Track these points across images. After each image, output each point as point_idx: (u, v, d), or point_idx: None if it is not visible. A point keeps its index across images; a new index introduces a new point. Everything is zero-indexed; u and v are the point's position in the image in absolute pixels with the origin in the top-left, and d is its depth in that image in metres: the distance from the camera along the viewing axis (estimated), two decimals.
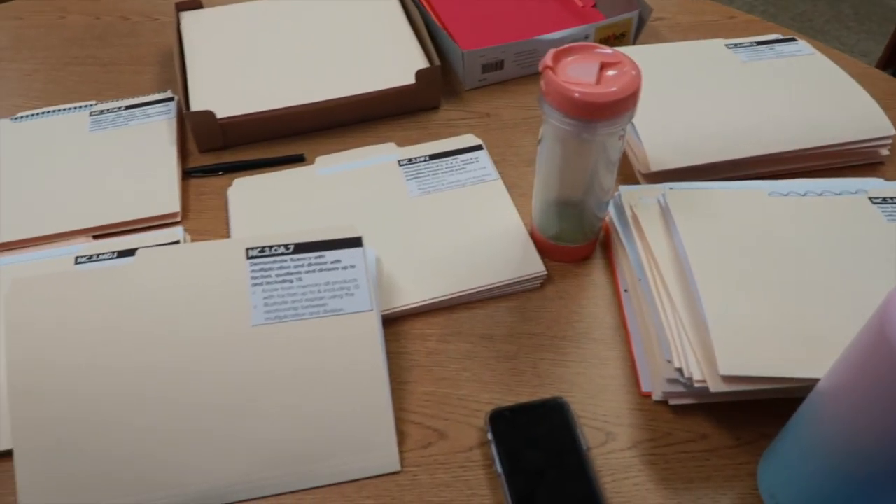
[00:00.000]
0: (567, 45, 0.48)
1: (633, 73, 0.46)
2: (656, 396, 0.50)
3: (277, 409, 0.47)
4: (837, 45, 1.97)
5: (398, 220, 0.60)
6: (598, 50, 0.48)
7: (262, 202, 0.62)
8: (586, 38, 0.74)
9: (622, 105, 0.46)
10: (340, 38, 0.75)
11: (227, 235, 0.61)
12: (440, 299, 0.55)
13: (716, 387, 0.44)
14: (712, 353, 0.44)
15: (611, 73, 0.47)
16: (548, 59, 0.47)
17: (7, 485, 0.46)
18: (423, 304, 0.55)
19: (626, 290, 0.56)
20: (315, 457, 0.46)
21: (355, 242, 0.51)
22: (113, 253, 0.58)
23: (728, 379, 0.44)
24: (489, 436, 0.47)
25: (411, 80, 0.69)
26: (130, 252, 0.57)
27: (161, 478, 0.45)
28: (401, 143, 0.68)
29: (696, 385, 0.45)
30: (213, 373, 0.47)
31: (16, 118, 0.70)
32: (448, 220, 0.60)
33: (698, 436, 0.48)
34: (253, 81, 0.70)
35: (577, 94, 0.45)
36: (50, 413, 0.45)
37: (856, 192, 0.54)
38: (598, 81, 0.46)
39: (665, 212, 0.54)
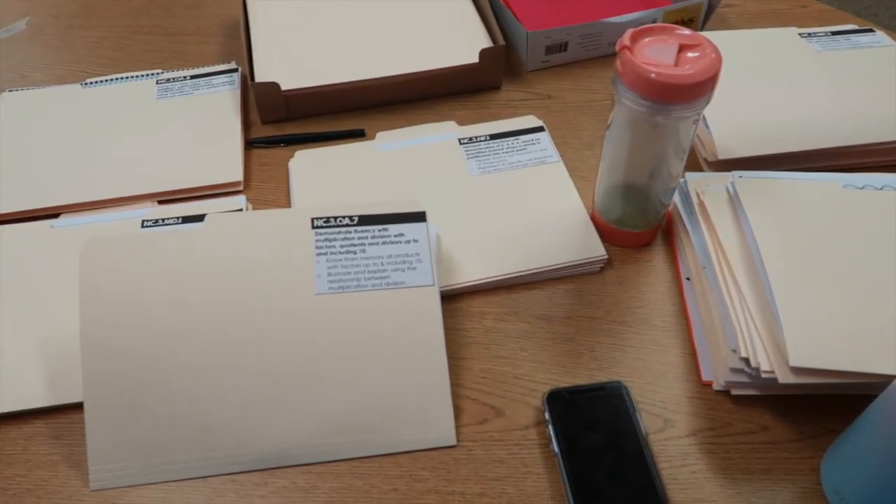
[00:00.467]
0: (645, 26, 0.47)
1: (713, 56, 0.45)
2: (717, 386, 0.49)
3: (337, 377, 0.47)
4: None
5: (458, 198, 0.60)
6: (678, 31, 0.47)
7: (323, 175, 0.63)
8: (653, 21, 0.73)
9: (700, 88, 0.45)
10: (404, 14, 0.75)
11: (288, 206, 0.62)
12: (499, 278, 0.55)
13: (785, 378, 0.43)
14: (782, 344, 0.43)
15: (690, 55, 0.46)
16: (625, 39, 0.46)
17: (78, 435, 0.48)
18: (482, 282, 0.55)
19: (687, 279, 0.55)
20: (373, 426, 0.47)
21: (419, 217, 0.51)
22: (178, 218, 0.59)
23: (798, 371, 0.43)
24: (546, 415, 0.47)
25: (474, 58, 0.69)
26: (195, 218, 0.59)
27: (223, 439, 0.46)
28: (461, 122, 0.68)
29: (764, 376, 0.44)
30: (276, 339, 0.48)
31: (85, 84, 0.72)
32: (508, 200, 0.60)
33: (759, 427, 0.48)
34: (316, 55, 0.71)
35: (653, 75, 0.44)
36: (119, 369, 0.46)
37: None
38: (677, 63, 0.45)
39: (734, 200, 0.53)
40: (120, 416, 0.46)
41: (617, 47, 0.46)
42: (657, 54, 0.46)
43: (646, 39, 0.47)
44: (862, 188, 0.53)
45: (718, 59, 0.45)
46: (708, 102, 0.47)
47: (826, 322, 0.44)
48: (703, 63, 0.45)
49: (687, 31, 0.47)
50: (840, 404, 0.47)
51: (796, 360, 0.42)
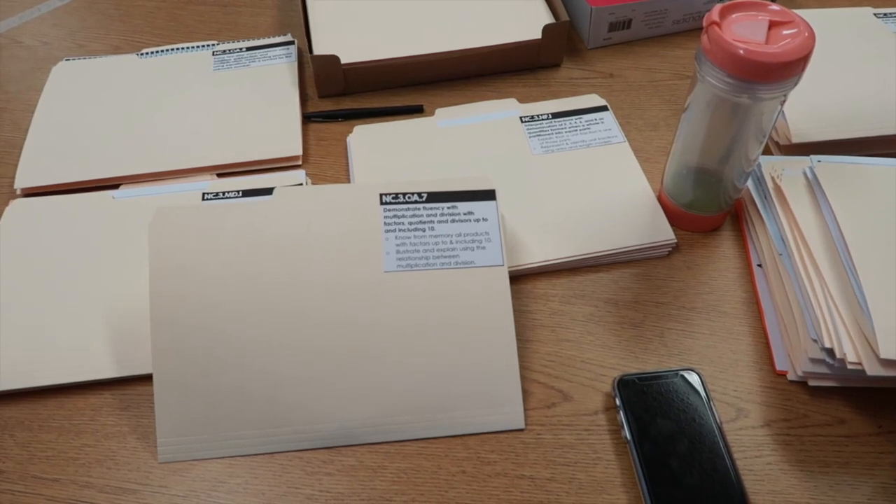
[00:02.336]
0: (734, 1, 0.45)
1: (807, 34, 0.43)
2: (793, 376, 0.48)
3: (405, 356, 0.47)
4: None
5: (521, 178, 0.59)
6: (770, 7, 0.45)
7: (383, 151, 0.62)
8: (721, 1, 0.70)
9: (790, 68, 0.43)
10: None
11: (347, 181, 0.61)
12: (564, 260, 0.54)
13: (873, 370, 0.42)
14: (871, 335, 0.42)
15: (784, 31, 0.44)
16: (714, 14, 0.44)
17: (146, 406, 0.48)
18: (547, 263, 0.54)
19: (759, 265, 0.54)
20: (441, 407, 0.46)
21: (489, 195, 0.50)
22: (238, 192, 0.58)
23: (888, 363, 0.41)
24: (617, 401, 0.46)
25: (534, 34, 0.67)
26: (256, 192, 0.58)
27: (290, 414, 0.46)
28: (521, 100, 0.66)
29: (850, 367, 0.42)
30: (344, 316, 0.47)
31: (142, 54, 0.71)
32: (573, 180, 0.59)
33: (836, 420, 0.46)
34: (374, 29, 0.69)
35: (742, 52, 0.43)
36: (187, 342, 0.46)
37: None
38: (768, 40, 0.44)
39: (813, 185, 0.51)
40: (188, 390, 0.46)
41: (705, 23, 0.45)
42: (746, 31, 0.44)
43: (734, 15, 0.45)
44: None
45: (812, 38, 0.43)
46: (797, 83, 0.45)
47: None
48: (796, 41, 0.43)
49: (777, 7, 0.45)
50: None
51: (887, 352, 0.41)
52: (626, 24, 0.70)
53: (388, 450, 0.46)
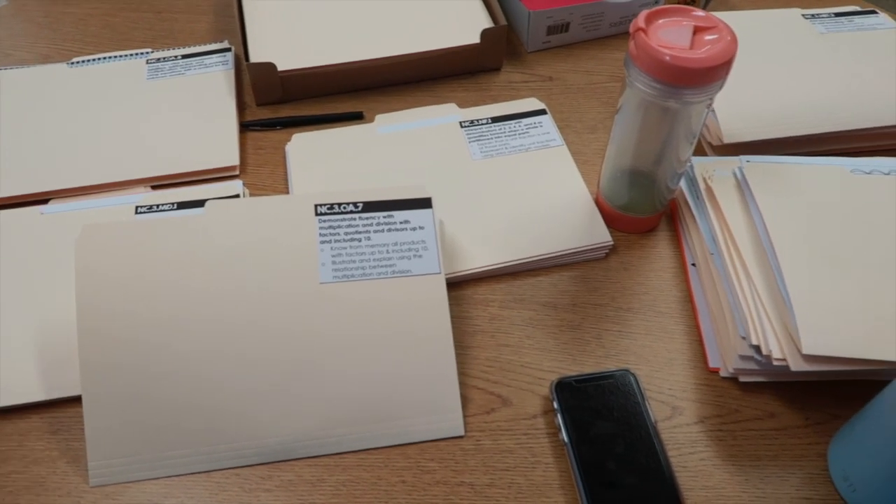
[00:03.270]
0: (659, 7, 0.46)
1: (729, 38, 0.44)
2: (725, 373, 0.49)
3: (343, 367, 0.47)
4: None
5: (460, 183, 0.59)
6: (694, 13, 0.46)
7: (322, 159, 0.61)
8: (656, 2, 0.71)
9: (716, 72, 0.44)
10: None
11: (286, 191, 0.60)
12: (503, 265, 0.54)
13: (797, 366, 0.43)
14: (794, 332, 0.43)
15: (706, 37, 0.45)
16: (640, 21, 0.45)
17: (77, 429, 0.46)
18: (486, 269, 0.54)
19: (693, 264, 0.55)
20: (379, 417, 0.46)
21: (425, 203, 0.50)
22: (173, 204, 0.57)
23: (810, 358, 0.43)
24: (555, 404, 0.47)
25: (474, 39, 0.67)
26: (191, 203, 0.57)
27: (227, 430, 0.45)
28: (461, 105, 0.66)
29: (775, 363, 0.44)
30: (280, 328, 0.47)
31: (72, 63, 0.69)
32: (512, 184, 0.59)
33: (766, 414, 0.48)
34: (312, 35, 0.69)
35: (667, 58, 0.43)
36: (118, 360, 0.45)
37: None
38: (692, 46, 0.44)
39: (742, 185, 0.52)
40: (119, 410, 0.45)
41: (631, 29, 0.45)
42: (672, 36, 0.45)
43: (660, 21, 0.46)
44: (869, 173, 0.52)
45: (734, 42, 0.44)
46: (722, 87, 0.46)
47: (838, 309, 0.44)
48: (719, 46, 0.44)
49: (702, 13, 0.46)
50: (847, 390, 0.47)
51: (809, 348, 0.42)
52: (565, 27, 0.71)
53: (328, 462, 0.46)
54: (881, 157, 0.54)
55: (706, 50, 0.44)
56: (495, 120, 0.64)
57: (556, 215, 0.57)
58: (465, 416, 0.47)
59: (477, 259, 0.54)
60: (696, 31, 0.45)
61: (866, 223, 0.49)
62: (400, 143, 0.63)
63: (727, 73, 0.45)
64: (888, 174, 0.52)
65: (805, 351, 0.42)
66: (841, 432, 0.45)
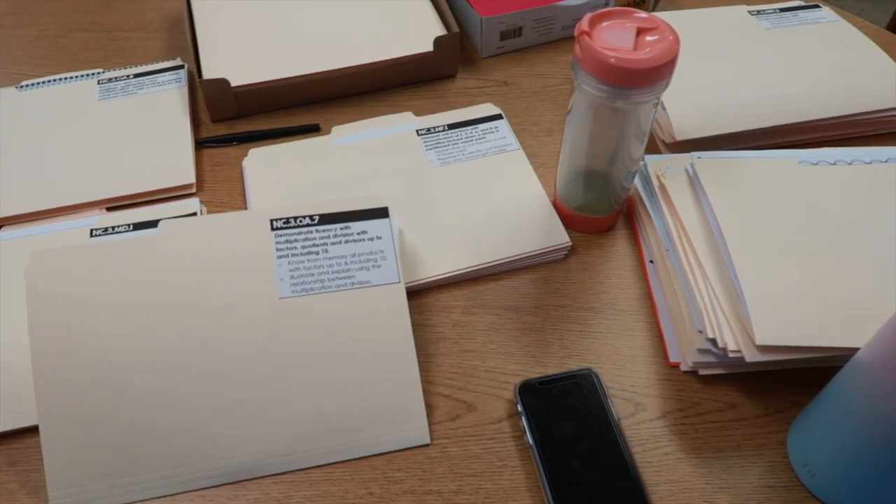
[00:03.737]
0: (603, 10, 0.47)
1: (671, 38, 0.45)
2: (685, 367, 0.50)
3: (307, 382, 0.46)
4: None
5: (419, 191, 0.59)
6: (636, 15, 0.47)
7: (279, 173, 0.61)
8: (606, 4, 0.72)
9: (659, 72, 0.45)
10: (355, 3, 0.73)
11: (244, 207, 0.60)
12: (464, 271, 0.54)
13: (752, 357, 0.44)
14: (748, 323, 0.44)
15: (649, 38, 0.45)
16: (584, 24, 0.45)
17: (36, 459, 0.46)
18: (447, 276, 0.54)
19: (651, 261, 0.56)
20: (345, 430, 0.46)
21: (381, 213, 0.50)
22: (129, 225, 0.57)
23: (764, 349, 0.43)
24: (519, 407, 0.47)
25: (428, 47, 0.67)
26: (146, 224, 0.56)
27: (190, 451, 0.45)
28: (418, 113, 0.67)
29: (731, 355, 0.44)
30: (240, 346, 0.46)
31: (21, 86, 0.68)
32: (470, 190, 0.59)
33: (727, 405, 0.48)
34: (265, 49, 0.69)
35: (612, 60, 0.44)
36: (75, 386, 0.44)
37: (886, 161, 0.54)
38: (636, 47, 0.45)
39: (694, 181, 0.53)
40: (78, 437, 0.44)
41: (575, 32, 0.46)
42: (616, 39, 0.45)
43: (604, 24, 0.46)
44: (816, 164, 0.54)
45: (676, 42, 0.45)
46: (667, 86, 0.47)
47: (790, 298, 0.45)
48: (661, 46, 0.45)
49: (644, 14, 0.47)
50: (803, 377, 0.48)
51: (762, 339, 0.43)
52: (517, 31, 0.72)
53: (294, 479, 0.45)
54: (827, 148, 0.56)
55: (649, 50, 0.44)
56: (452, 127, 0.64)
57: (514, 219, 0.57)
58: (430, 424, 0.48)
59: (438, 266, 0.54)
60: (640, 32, 0.46)
61: (815, 212, 0.50)
62: (357, 153, 0.63)
63: (671, 72, 0.46)
64: (834, 164, 0.54)
65: (758, 342, 0.43)
66: (798, 420, 0.46)
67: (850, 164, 0.54)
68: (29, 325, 0.44)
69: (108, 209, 0.59)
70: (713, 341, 0.46)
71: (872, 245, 0.48)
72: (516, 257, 0.55)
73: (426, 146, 0.63)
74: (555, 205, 0.58)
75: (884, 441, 0.37)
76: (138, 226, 0.56)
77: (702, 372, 0.49)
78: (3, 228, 0.57)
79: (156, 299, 0.46)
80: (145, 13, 0.79)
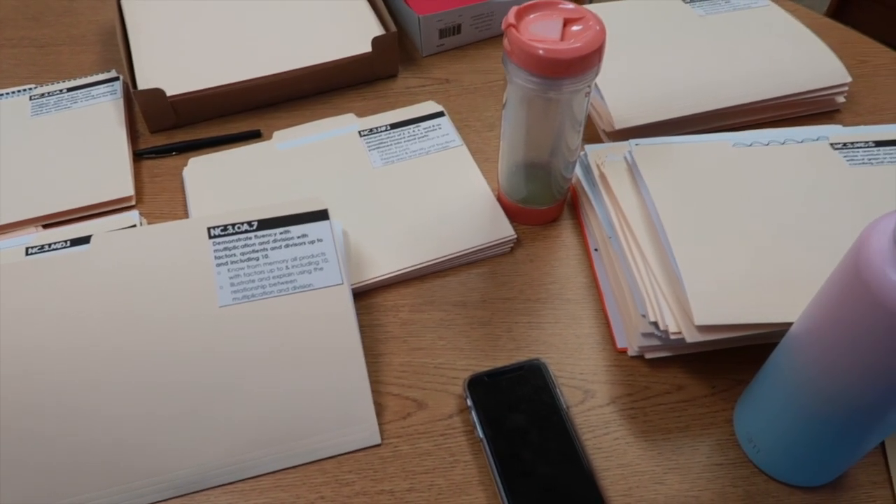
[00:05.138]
0: (529, 3, 0.47)
1: (598, 28, 0.46)
2: (632, 352, 0.50)
3: (253, 389, 0.46)
4: None
5: (363, 192, 0.59)
6: (561, 6, 0.47)
7: (221, 181, 0.60)
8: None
9: (588, 61, 0.45)
10: (291, 6, 0.73)
11: (186, 217, 0.59)
12: (411, 269, 0.54)
13: (692, 337, 0.44)
14: (687, 305, 0.45)
15: (575, 28, 0.46)
16: (510, 17, 0.46)
17: None
18: (394, 274, 0.54)
19: (596, 250, 0.56)
20: (294, 435, 0.46)
21: (321, 215, 0.50)
22: (66, 241, 0.55)
23: (703, 329, 0.44)
24: (468, 402, 0.47)
25: (367, 47, 0.67)
26: (85, 240, 0.55)
27: (137, 465, 0.44)
28: (360, 114, 0.66)
29: (672, 337, 0.45)
30: (183, 356, 0.45)
31: None
32: (414, 189, 0.59)
33: (674, 387, 0.49)
34: (202, 57, 0.68)
35: (541, 52, 0.44)
36: (12, 405, 0.43)
37: (817, 139, 0.55)
38: (563, 38, 0.46)
39: (632, 168, 0.54)
40: (16, 457, 0.43)
41: (503, 26, 0.46)
42: (543, 30, 0.46)
43: (531, 16, 0.47)
44: (750, 145, 0.55)
45: (603, 31, 0.45)
46: (597, 74, 0.47)
47: (727, 278, 0.46)
48: (587, 35, 0.45)
49: (570, 5, 0.47)
50: (748, 355, 0.49)
51: (700, 319, 0.44)
52: (456, 29, 0.72)
53: (244, 488, 0.45)
54: (760, 130, 0.57)
55: (576, 40, 0.45)
56: (394, 126, 0.64)
57: (459, 215, 0.57)
58: (381, 424, 0.47)
59: (384, 266, 0.54)
60: (566, 22, 0.46)
61: (749, 193, 0.51)
62: (300, 157, 0.62)
63: (599, 60, 0.46)
64: (767, 145, 0.55)
65: (697, 322, 0.44)
66: (742, 397, 0.46)
67: (783, 143, 0.55)
68: None
69: (45, 226, 0.58)
70: (655, 324, 0.46)
71: (806, 221, 0.49)
72: (462, 252, 0.55)
73: (369, 146, 0.62)
74: (499, 199, 0.58)
75: (820, 413, 0.38)
76: (76, 241, 0.54)
77: (648, 356, 0.49)
78: None
79: (93, 314, 0.45)
80: (77, 27, 0.77)
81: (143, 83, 0.64)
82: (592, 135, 0.65)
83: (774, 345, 0.43)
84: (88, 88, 0.68)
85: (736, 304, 0.45)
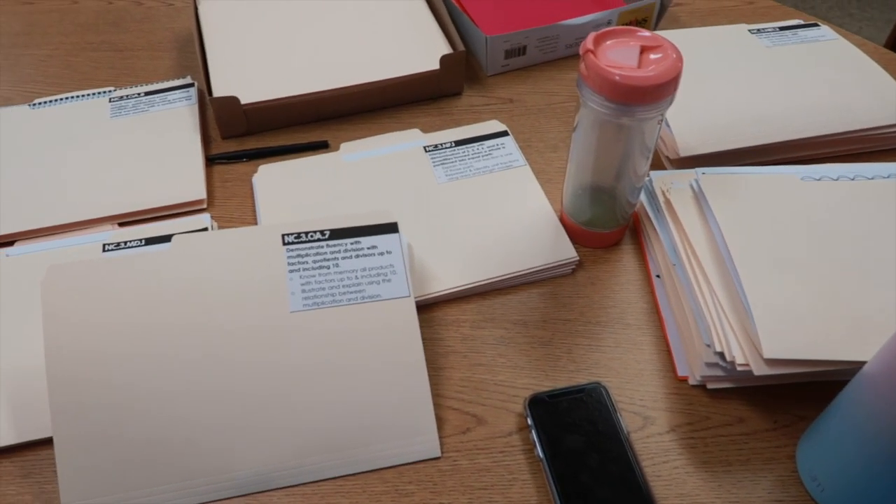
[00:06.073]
0: (607, 29, 0.48)
1: (674, 56, 0.46)
2: (693, 381, 0.50)
3: (317, 395, 0.47)
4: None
5: (427, 207, 0.60)
6: (640, 34, 0.48)
7: (289, 189, 0.62)
8: (609, 23, 0.74)
9: (663, 89, 0.46)
10: (362, 23, 0.75)
11: (254, 222, 0.61)
12: (473, 286, 0.55)
13: (759, 370, 0.44)
14: (755, 337, 0.44)
15: (652, 56, 0.46)
16: (588, 43, 0.46)
17: (49, 471, 0.46)
18: (456, 290, 0.55)
19: (657, 276, 0.56)
20: (356, 443, 0.46)
21: (391, 228, 0.51)
22: (141, 240, 0.57)
23: (772, 362, 0.44)
24: (529, 421, 0.47)
25: (435, 65, 0.69)
26: (158, 239, 0.57)
27: (202, 464, 0.45)
28: (425, 130, 0.67)
29: (739, 369, 0.45)
30: (252, 359, 0.47)
31: (34, 104, 0.69)
32: (477, 206, 0.60)
33: (735, 419, 0.49)
34: (274, 67, 0.70)
35: (617, 77, 0.45)
36: (89, 400, 0.45)
37: (888, 177, 0.54)
38: (640, 65, 0.46)
39: (699, 196, 0.54)
40: (92, 449, 0.44)
41: (581, 51, 0.47)
42: (620, 57, 0.46)
43: (608, 42, 0.47)
44: (819, 179, 0.54)
45: (680, 60, 0.46)
46: (671, 103, 0.47)
47: (796, 312, 0.46)
48: (665, 64, 0.46)
49: (647, 33, 0.48)
50: (811, 392, 0.49)
51: (770, 352, 0.43)
52: (522, 50, 0.73)
53: (305, 491, 0.45)
54: (829, 164, 0.56)
55: (653, 68, 0.45)
56: (458, 143, 0.65)
57: (522, 234, 0.58)
58: (441, 437, 0.48)
59: (446, 281, 0.55)
60: (643, 50, 0.47)
61: (818, 227, 0.51)
62: (366, 169, 0.63)
63: (675, 89, 0.46)
64: (837, 179, 0.54)
65: (766, 355, 0.43)
66: (807, 433, 0.46)
67: (853, 179, 0.54)
68: (44, 338, 0.45)
69: (120, 224, 0.60)
70: (721, 355, 0.46)
71: (875, 259, 0.49)
72: (524, 272, 0.55)
73: (434, 162, 0.64)
74: (562, 220, 0.59)
75: (891, 454, 0.37)
76: (150, 241, 0.57)
77: (710, 386, 0.49)
78: (16, 243, 0.58)
79: (168, 312, 0.47)
80: (155, 33, 0.80)
81: (218, 90, 0.67)
82: (655, 161, 0.65)
83: (838, 382, 0.43)
84: (165, 93, 0.70)
85: (805, 339, 0.44)
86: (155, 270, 0.48)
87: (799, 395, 0.49)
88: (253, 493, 0.45)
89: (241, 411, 0.46)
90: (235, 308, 0.47)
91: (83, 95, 0.70)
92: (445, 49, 0.71)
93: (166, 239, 0.57)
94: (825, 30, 0.72)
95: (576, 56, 0.77)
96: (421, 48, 0.71)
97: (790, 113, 0.63)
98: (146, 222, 0.60)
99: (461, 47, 0.69)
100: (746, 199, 0.53)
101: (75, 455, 0.44)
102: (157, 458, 0.45)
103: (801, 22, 0.74)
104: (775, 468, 0.46)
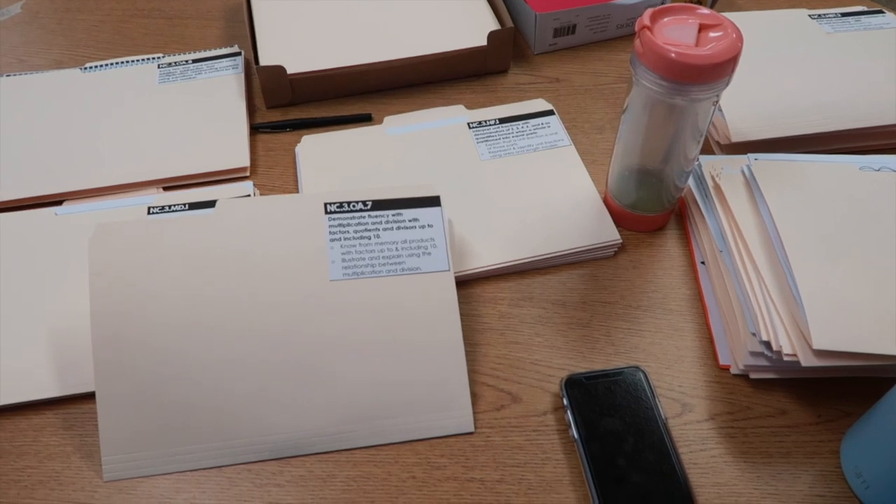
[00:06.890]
0: (665, 6, 0.46)
1: (734, 35, 0.45)
2: (735, 370, 0.49)
3: (354, 364, 0.47)
4: None
5: (469, 183, 0.59)
6: (699, 11, 0.46)
7: (331, 160, 0.62)
8: (662, 2, 0.72)
9: (721, 69, 0.44)
10: None
11: (296, 191, 0.61)
12: (512, 263, 0.54)
13: (808, 361, 0.43)
14: (805, 327, 0.43)
15: (712, 34, 0.45)
16: (645, 19, 0.45)
17: (91, 425, 0.47)
18: (495, 267, 0.54)
19: (702, 262, 0.55)
20: (390, 413, 0.46)
21: (433, 202, 0.51)
22: (185, 204, 0.58)
23: (821, 353, 0.43)
24: (565, 401, 0.47)
25: (482, 41, 0.68)
26: (203, 204, 0.58)
27: (238, 428, 0.46)
28: (469, 106, 0.67)
29: (786, 359, 0.44)
30: (290, 326, 0.47)
31: (85, 68, 0.70)
32: (520, 184, 0.59)
33: (777, 411, 0.47)
34: (321, 38, 0.69)
35: (673, 55, 0.44)
36: (131, 358, 0.45)
37: None
38: (698, 43, 0.45)
39: (750, 182, 0.52)
40: (133, 406, 0.45)
41: (637, 27, 0.46)
42: (677, 34, 0.45)
43: (665, 19, 0.46)
44: (878, 170, 0.52)
45: (740, 40, 0.44)
46: (728, 84, 0.46)
47: (847, 304, 0.44)
48: (724, 43, 0.44)
49: (707, 11, 0.46)
50: (856, 387, 0.47)
51: (820, 343, 0.42)
52: (571, 29, 0.72)
53: (338, 458, 0.46)
54: (890, 155, 0.54)
55: (711, 47, 0.44)
56: (503, 121, 0.64)
57: (564, 214, 0.57)
58: (475, 413, 0.48)
59: (486, 257, 0.54)
60: (702, 28, 0.45)
61: (875, 220, 0.49)
62: (409, 144, 0.63)
63: (733, 69, 0.45)
64: None
65: (816, 346, 0.42)
66: (853, 429, 0.45)
67: None
68: (90, 295, 0.46)
69: (165, 188, 0.61)
70: (767, 344, 0.45)
71: None
72: (565, 252, 0.55)
73: (477, 139, 0.63)
74: (606, 202, 0.58)
75: None
76: (194, 205, 0.57)
77: (753, 376, 0.48)
78: (64, 203, 0.59)
79: (210, 276, 0.47)
80: (205, 2, 0.81)
81: (265, 60, 0.67)
82: (705, 146, 0.63)
83: (885, 379, 0.41)
84: (212, 61, 0.70)
85: (857, 331, 0.43)
86: (199, 234, 0.48)
87: (844, 390, 0.48)
88: (287, 458, 0.46)
89: (279, 377, 0.46)
90: (276, 274, 0.48)
91: (132, 61, 0.71)
92: (493, 25, 0.70)
93: (209, 204, 0.57)
94: (890, 17, 0.69)
95: (627, 37, 0.75)
96: (469, 24, 0.70)
97: (849, 102, 0.60)
98: (190, 188, 0.61)
99: (510, 23, 0.68)
100: (800, 187, 0.51)
101: (116, 410, 0.45)
102: (194, 419, 0.45)
103: (865, 8, 0.71)
104: (818, 463, 0.45)
